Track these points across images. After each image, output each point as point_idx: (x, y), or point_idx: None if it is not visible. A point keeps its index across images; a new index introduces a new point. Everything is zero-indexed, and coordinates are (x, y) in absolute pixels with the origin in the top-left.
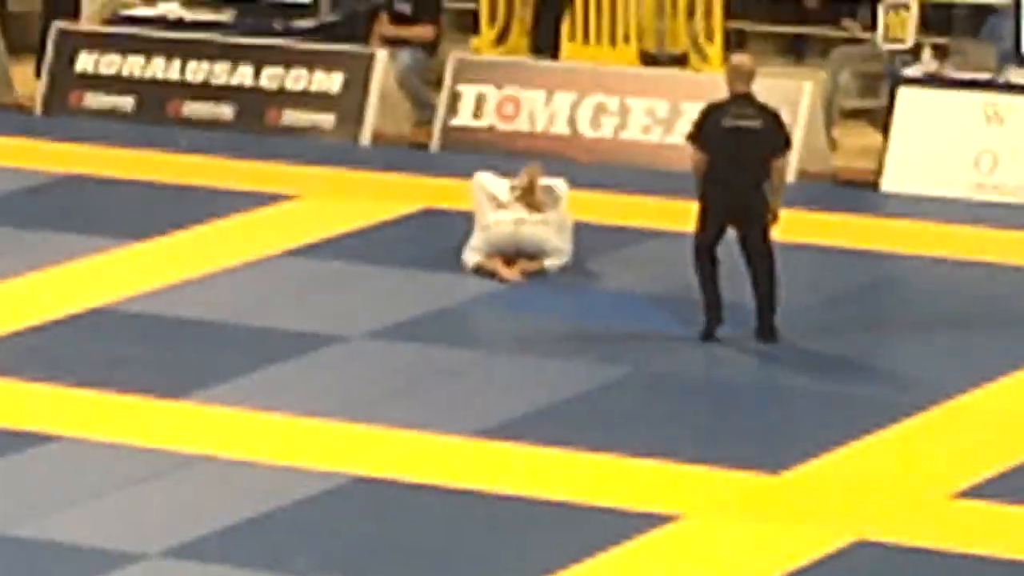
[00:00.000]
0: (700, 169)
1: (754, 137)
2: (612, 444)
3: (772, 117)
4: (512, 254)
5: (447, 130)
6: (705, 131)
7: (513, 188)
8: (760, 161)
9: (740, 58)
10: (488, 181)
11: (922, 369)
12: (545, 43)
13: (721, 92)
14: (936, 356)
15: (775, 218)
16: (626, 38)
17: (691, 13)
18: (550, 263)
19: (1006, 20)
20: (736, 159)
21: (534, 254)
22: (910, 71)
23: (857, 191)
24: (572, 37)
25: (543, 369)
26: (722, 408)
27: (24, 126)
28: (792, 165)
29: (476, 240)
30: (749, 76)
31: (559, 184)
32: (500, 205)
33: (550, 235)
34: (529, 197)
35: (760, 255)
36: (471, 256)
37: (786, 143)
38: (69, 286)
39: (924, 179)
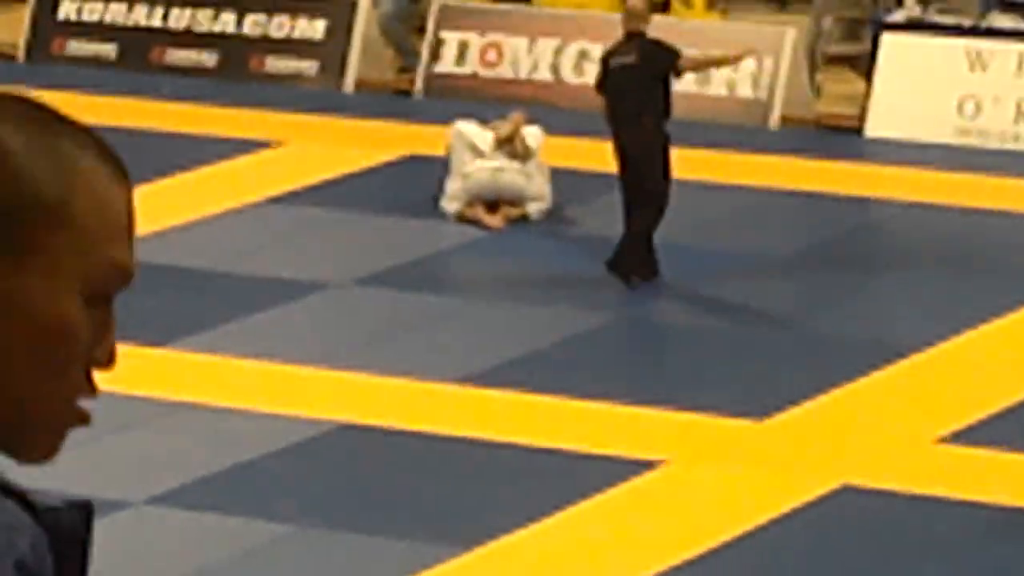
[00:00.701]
0: (606, 115)
1: (632, 72)
2: (596, 391)
3: (651, 48)
4: (492, 200)
5: (430, 77)
6: (605, 77)
7: (498, 138)
8: (642, 95)
9: (633, 1)
10: (468, 129)
11: (906, 315)
12: None
13: (704, 37)
14: (920, 302)
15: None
16: None
17: None
18: (533, 208)
19: None
20: (622, 97)
21: (513, 200)
22: (893, 17)
23: (840, 137)
24: None
25: (526, 315)
26: (705, 354)
27: (6, 73)
28: (776, 110)
29: (454, 187)
30: (638, 17)
31: (534, 131)
32: (480, 155)
33: (529, 182)
34: (511, 145)
35: (649, 192)
36: (451, 204)
37: (672, 54)
38: None
39: (907, 125)
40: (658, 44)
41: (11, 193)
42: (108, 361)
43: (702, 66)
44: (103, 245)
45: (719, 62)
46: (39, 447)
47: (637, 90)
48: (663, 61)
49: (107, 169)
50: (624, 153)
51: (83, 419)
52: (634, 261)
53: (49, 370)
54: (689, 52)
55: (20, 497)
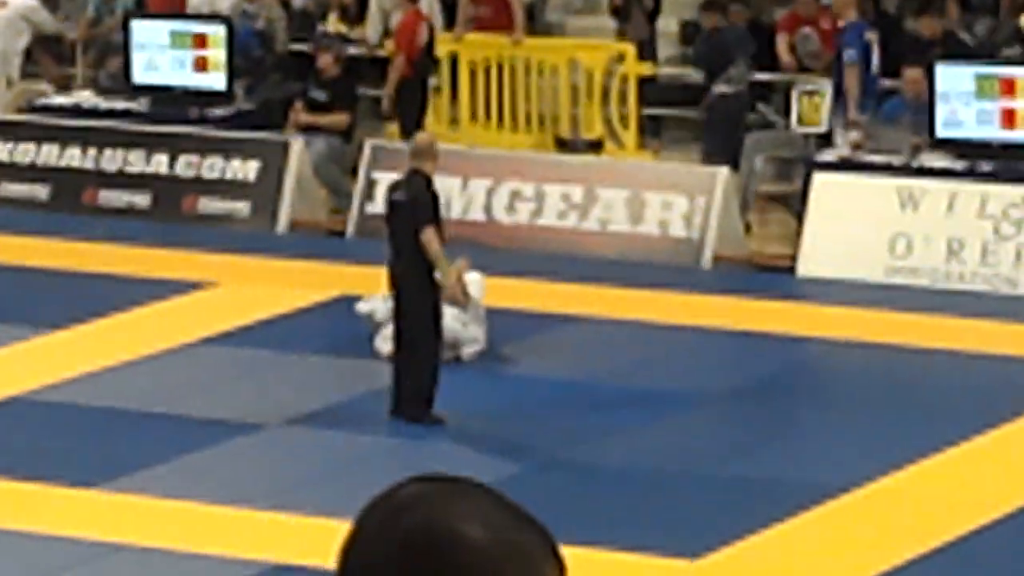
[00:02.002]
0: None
1: (400, 210)
2: None
3: (422, 192)
4: None
5: (363, 217)
6: (387, 208)
7: (439, 281)
8: (407, 234)
9: (420, 135)
10: None
11: (839, 453)
12: (408, 131)
13: (636, 177)
14: (853, 440)
15: (445, 289)
16: (541, 123)
17: (606, 99)
18: (466, 352)
19: (902, 103)
20: (391, 232)
21: (448, 345)
22: (824, 156)
23: (773, 275)
24: (488, 123)
25: (460, 455)
26: (639, 494)
27: None
28: (708, 250)
29: (391, 329)
30: (418, 154)
31: (476, 278)
32: None
33: (465, 328)
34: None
35: (409, 329)
36: (385, 344)
37: (426, 219)
38: None
39: (839, 263)
40: (427, 195)
41: None
42: None
43: (431, 255)
44: None
45: (438, 266)
46: None
47: (401, 228)
48: (418, 218)
49: (556, 564)
50: (391, 285)
51: None
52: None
53: None
54: (431, 245)
55: None
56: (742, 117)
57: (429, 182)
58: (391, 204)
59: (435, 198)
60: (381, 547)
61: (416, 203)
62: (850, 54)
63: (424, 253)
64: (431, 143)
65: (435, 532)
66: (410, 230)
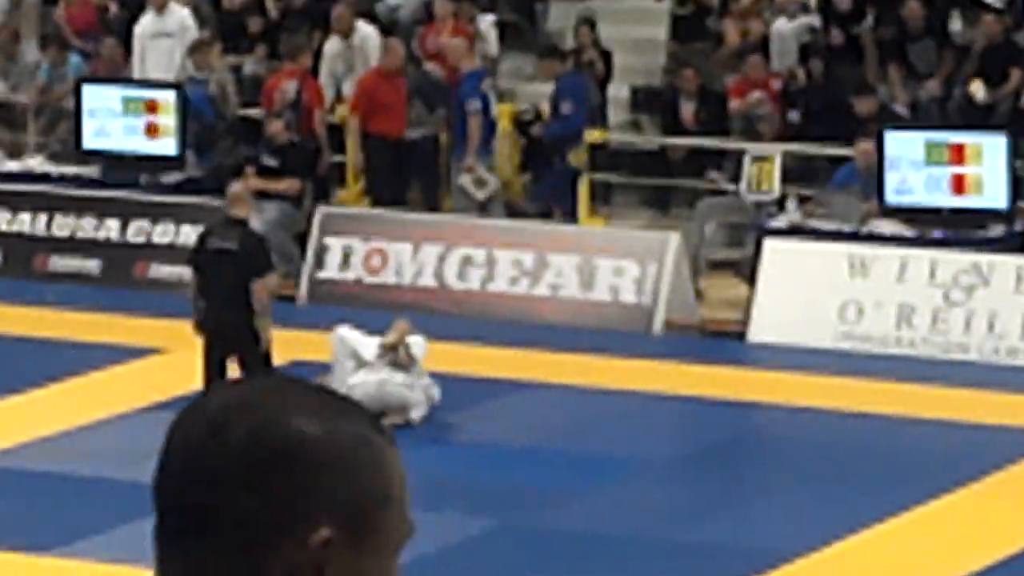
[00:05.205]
0: (194, 292)
1: (232, 258)
2: None
3: (255, 240)
4: (376, 412)
5: (314, 283)
6: (199, 254)
7: (382, 345)
8: (239, 282)
9: (233, 186)
10: (350, 336)
11: (789, 519)
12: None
13: (587, 243)
14: (803, 506)
15: (264, 342)
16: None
17: None
18: (416, 414)
19: (854, 171)
20: (218, 279)
21: (398, 410)
22: (775, 222)
23: (723, 342)
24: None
25: None
26: (589, 559)
27: None
28: (659, 316)
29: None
30: (240, 203)
31: (419, 341)
32: (362, 363)
33: (412, 391)
34: (395, 353)
35: (250, 368)
36: None
37: (266, 265)
38: None
39: (790, 329)
40: (262, 245)
41: (357, 487)
42: None
43: (262, 305)
44: (407, 511)
45: (263, 317)
46: None
47: (231, 276)
48: (259, 265)
49: (387, 439)
50: (213, 332)
51: None
52: None
53: None
54: (266, 294)
55: None
56: (436, 162)
57: (248, 226)
58: (215, 251)
59: (264, 243)
60: (215, 457)
61: (254, 255)
62: (473, 104)
63: (257, 301)
64: (246, 191)
65: (277, 431)
66: (238, 278)
